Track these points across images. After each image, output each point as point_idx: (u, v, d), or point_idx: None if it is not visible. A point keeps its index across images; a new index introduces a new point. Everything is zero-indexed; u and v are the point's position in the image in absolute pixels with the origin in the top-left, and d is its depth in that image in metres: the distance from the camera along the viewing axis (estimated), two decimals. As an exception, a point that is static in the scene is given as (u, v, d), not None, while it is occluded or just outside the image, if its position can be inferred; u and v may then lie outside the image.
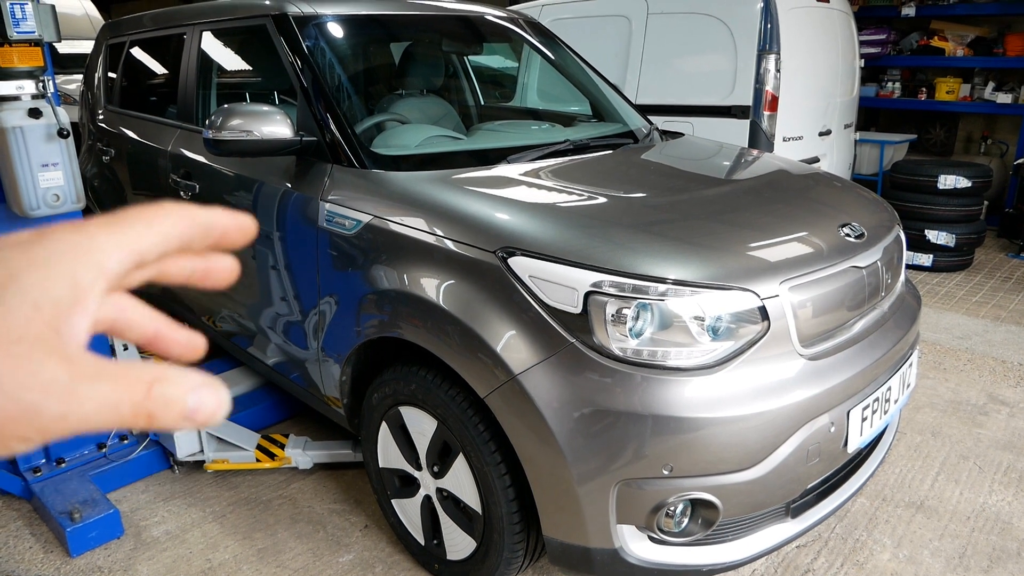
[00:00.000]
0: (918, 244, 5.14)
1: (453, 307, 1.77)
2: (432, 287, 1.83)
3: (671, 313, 1.61)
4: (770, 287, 1.68)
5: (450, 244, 1.81)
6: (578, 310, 1.62)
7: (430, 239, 1.85)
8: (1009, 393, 3.30)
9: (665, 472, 1.60)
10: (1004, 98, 6.26)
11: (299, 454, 2.62)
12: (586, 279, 1.62)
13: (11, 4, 1.92)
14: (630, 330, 1.61)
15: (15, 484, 2.50)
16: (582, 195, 2.01)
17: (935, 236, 5.06)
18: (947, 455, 2.79)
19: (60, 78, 8.66)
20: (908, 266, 5.22)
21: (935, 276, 5.07)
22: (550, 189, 2.03)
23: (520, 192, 1.99)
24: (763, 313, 1.66)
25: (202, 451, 2.61)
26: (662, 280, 1.61)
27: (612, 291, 1.60)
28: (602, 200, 1.97)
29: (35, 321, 0.29)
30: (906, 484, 2.60)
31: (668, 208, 1.97)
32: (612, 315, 1.60)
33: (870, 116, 7.50)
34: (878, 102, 7.01)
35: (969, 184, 4.98)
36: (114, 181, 3.42)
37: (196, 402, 0.31)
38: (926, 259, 5.13)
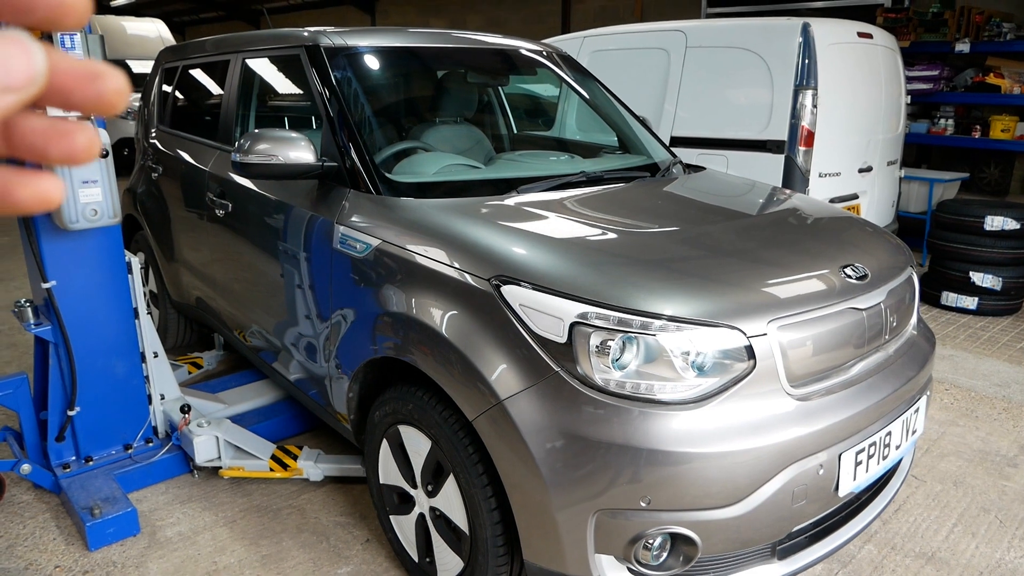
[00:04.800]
0: (962, 286, 4.98)
1: (448, 331, 1.83)
2: (430, 311, 1.89)
3: (656, 347, 1.64)
4: (757, 326, 1.68)
5: (448, 271, 1.87)
6: (564, 340, 1.66)
7: (430, 264, 1.92)
8: (1042, 445, 3.17)
9: (643, 504, 1.61)
10: (1063, 138, 6.05)
11: (311, 466, 2.71)
12: (572, 310, 1.66)
13: (61, 35, 2.08)
14: (614, 362, 1.64)
15: (47, 479, 2.65)
16: (583, 227, 2.05)
17: (980, 279, 4.90)
18: (967, 506, 2.70)
19: (134, 96, 9.19)
20: (951, 309, 5.07)
21: (979, 320, 4.91)
22: (552, 220, 2.08)
23: (522, 222, 2.04)
24: (749, 352, 1.67)
25: (220, 457, 2.72)
26: (647, 314, 1.64)
27: (598, 323, 1.64)
28: (601, 232, 2.01)
29: None
30: (919, 534, 2.52)
31: (667, 242, 2.00)
32: (596, 346, 1.63)
33: (922, 153, 7.34)
34: (930, 139, 6.85)
35: (1018, 226, 4.82)
36: (160, 197, 3.62)
37: (2, 70, 0.28)
38: (971, 302, 4.97)
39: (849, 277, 1.94)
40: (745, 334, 1.67)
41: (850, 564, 2.36)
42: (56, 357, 2.56)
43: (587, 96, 3.31)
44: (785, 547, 1.81)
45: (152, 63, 4.13)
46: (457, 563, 2.00)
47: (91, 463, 2.69)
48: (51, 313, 2.50)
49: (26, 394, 2.60)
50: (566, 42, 5.48)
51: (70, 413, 2.61)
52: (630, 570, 1.71)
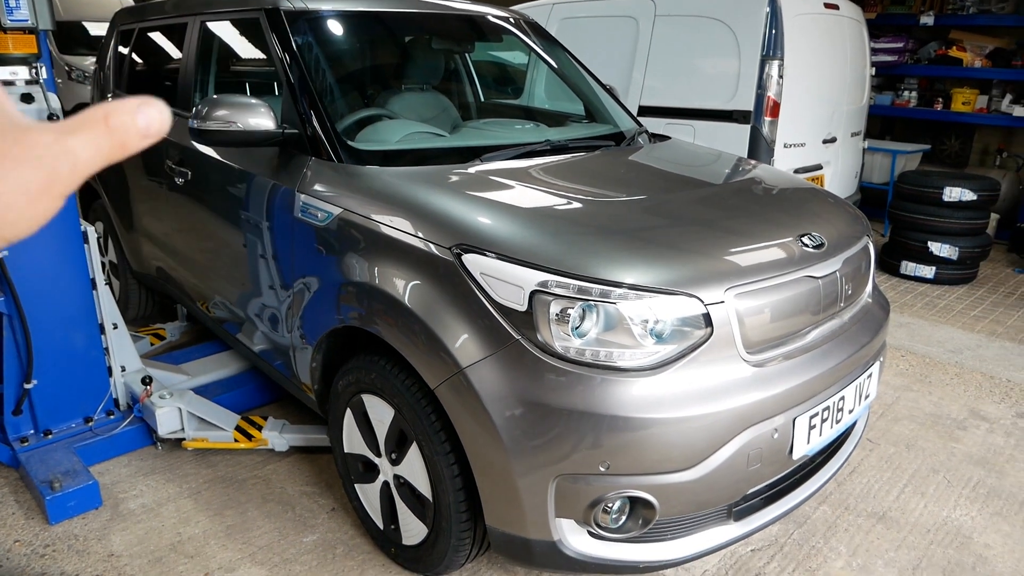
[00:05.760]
0: (921, 256, 5.10)
1: (410, 300, 1.82)
2: (392, 280, 1.88)
3: (615, 315, 1.65)
4: (715, 293, 1.71)
5: (410, 239, 1.86)
6: (524, 308, 1.66)
7: (392, 233, 1.91)
8: (991, 409, 3.28)
9: (602, 469, 1.64)
10: (1021, 111, 6.17)
11: (276, 436, 2.70)
12: (533, 278, 1.66)
13: (4, -6, 2.01)
14: (574, 329, 1.66)
15: (4, 453, 2.61)
16: (546, 195, 2.05)
17: (938, 248, 5.02)
18: (918, 468, 2.79)
19: (89, 59, 8.87)
20: (910, 278, 5.19)
21: (936, 288, 5.04)
22: (515, 189, 2.07)
23: (484, 191, 2.03)
24: (707, 319, 1.70)
25: (183, 429, 2.70)
26: (607, 282, 1.65)
27: (558, 291, 1.65)
28: (564, 201, 2.01)
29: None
30: (871, 494, 2.61)
31: (629, 210, 2.01)
32: (556, 314, 1.65)
33: (886, 125, 7.44)
34: (893, 111, 6.94)
35: (975, 197, 4.93)
36: (117, 165, 3.51)
37: (145, 120, 0.38)
38: (928, 271, 5.10)
39: (806, 246, 1.97)
40: (703, 302, 1.69)
41: (805, 524, 2.43)
42: (10, 329, 2.51)
43: (554, 64, 3.29)
44: (740, 509, 1.86)
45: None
46: (421, 529, 2.02)
47: (50, 436, 2.65)
48: (3, 284, 2.44)
49: (-20, 367, 2.55)
50: (535, 9, 5.41)
51: (27, 386, 2.56)
52: (590, 533, 1.74)
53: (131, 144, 0.38)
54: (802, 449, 1.87)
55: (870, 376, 2.14)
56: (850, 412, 2.05)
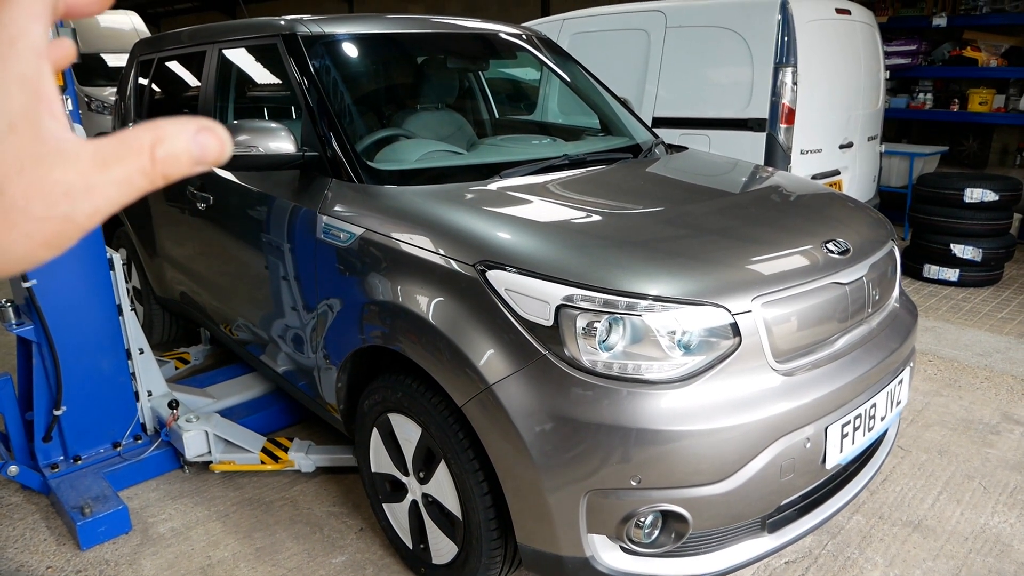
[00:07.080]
0: (944, 258, 5.04)
1: (434, 318, 1.83)
2: (416, 299, 1.89)
3: (641, 327, 1.65)
4: (742, 303, 1.69)
5: (433, 257, 1.87)
6: (550, 323, 1.66)
7: (415, 252, 1.91)
8: (1024, 413, 3.22)
9: (633, 483, 1.62)
10: (1040, 110, 6.11)
11: (302, 457, 2.71)
12: (558, 293, 1.66)
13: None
14: (601, 343, 1.65)
15: (35, 479, 2.63)
16: (567, 210, 2.05)
17: (961, 250, 4.96)
18: (952, 474, 2.74)
19: (108, 90, 9.04)
20: (934, 281, 5.12)
21: (961, 291, 4.97)
22: (535, 204, 2.07)
23: (505, 207, 2.04)
24: (734, 329, 1.68)
25: (210, 452, 2.71)
26: (632, 295, 1.64)
27: (584, 305, 1.64)
28: (585, 215, 2.01)
29: (21, 141, 0.30)
30: (905, 503, 2.56)
31: (650, 222, 2.01)
32: (583, 328, 1.64)
33: (902, 128, 7.39)
34: (909, 113, 6.89)
35: (996, 197, 4.87)
36: (140, 192, 3.57)
37: (200, 148, 0.32)
38: (952, 274, 5.03)
39: (831, 252, 1.95)
40: (730, 311, 1.68)
41: (839, 535, 2.39)
42: (40, 356, 2.54)
43: (568, 79, 3.30)
44: (774, 520, 1.83)
45: (127, 56, 4.06)
46: (451, 548, 2.01)
47: (80, 462, 2.68)
48: (32, 312, 2.47)
49: (10, 395, 2.57)
50: (546, 25, 5.45)
51: (56, 413, 2.59)
52: (623, 548, 1.73)
53: (176, 175, 0.32)
54: (835, 458, 1.84)
55: (901, 382, 2.11)
56: (882, 419, 2.02)
